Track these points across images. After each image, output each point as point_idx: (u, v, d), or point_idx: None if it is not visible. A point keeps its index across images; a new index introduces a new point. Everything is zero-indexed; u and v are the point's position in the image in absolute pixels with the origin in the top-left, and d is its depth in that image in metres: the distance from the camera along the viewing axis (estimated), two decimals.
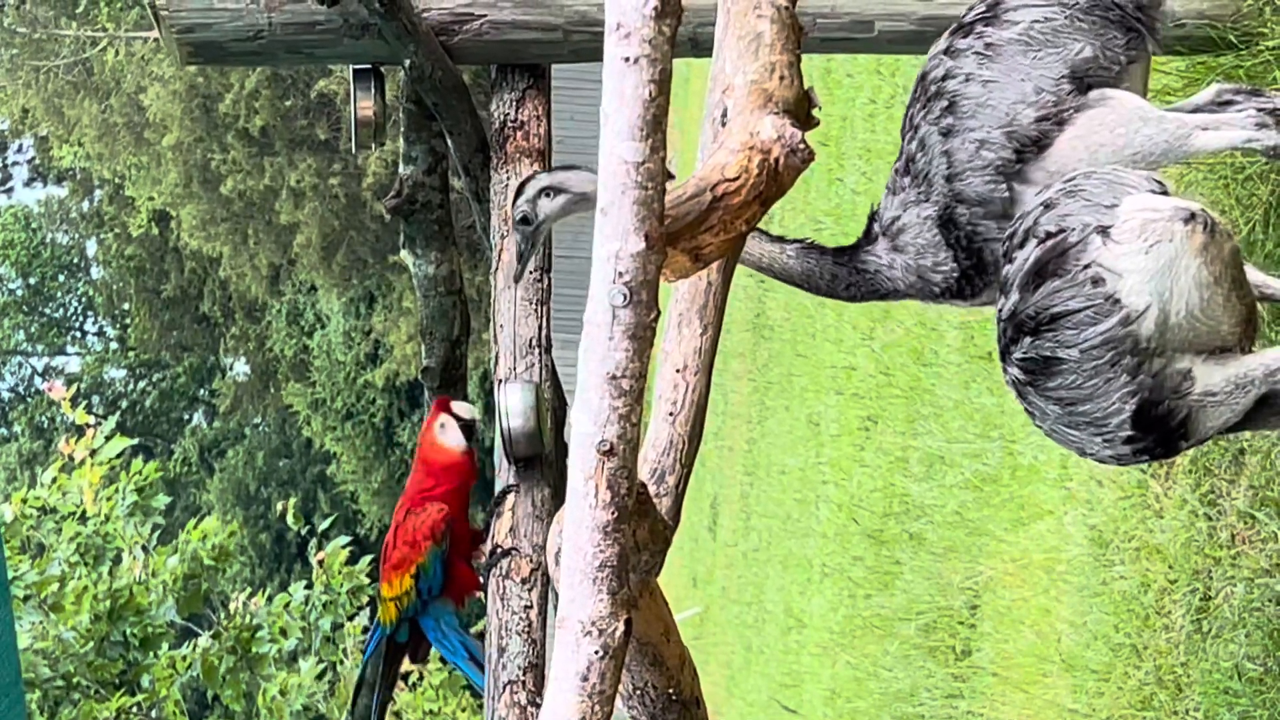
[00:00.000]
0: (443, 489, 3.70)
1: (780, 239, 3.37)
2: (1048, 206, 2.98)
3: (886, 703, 6.96)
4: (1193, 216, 2.84)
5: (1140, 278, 2.83)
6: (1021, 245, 2.97)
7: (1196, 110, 3.43)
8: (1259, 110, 3.36)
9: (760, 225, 2.43)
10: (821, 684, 8.37)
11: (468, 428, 3.78)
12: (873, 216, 3.39)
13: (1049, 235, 2.93)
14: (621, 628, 1.85)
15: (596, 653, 1.84)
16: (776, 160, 2.19)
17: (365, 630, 11.34)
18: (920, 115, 3.30)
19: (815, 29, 4.10)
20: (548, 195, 3.01)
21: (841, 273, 3.38)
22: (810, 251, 3.38)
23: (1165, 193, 2.94)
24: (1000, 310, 3.00)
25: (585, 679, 1.84)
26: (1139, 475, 4.68)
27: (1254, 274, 3.06)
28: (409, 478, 3.86)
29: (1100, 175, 2.99)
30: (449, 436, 3.73)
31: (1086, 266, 2.86)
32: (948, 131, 3.26)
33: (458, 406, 3.81)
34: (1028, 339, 2.93)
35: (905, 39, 4.21)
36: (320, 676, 11.94)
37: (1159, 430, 2.92)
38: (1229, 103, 3.41)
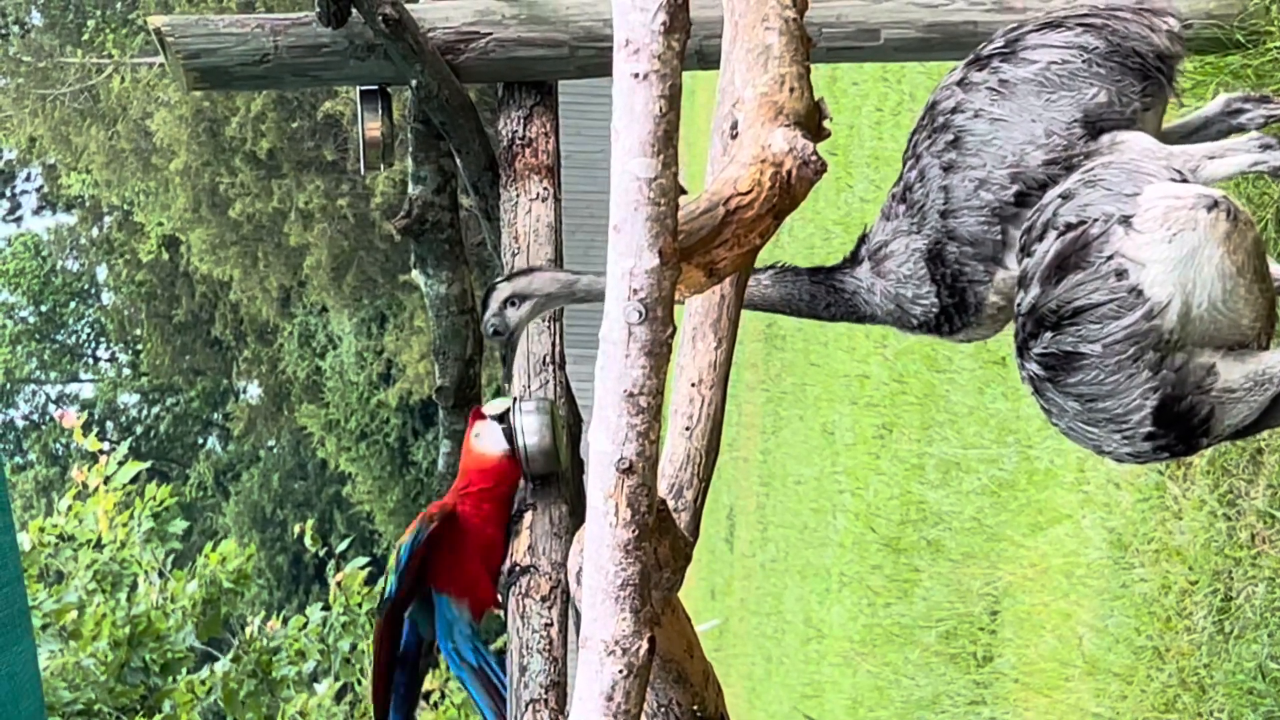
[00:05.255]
0: (476, 487, 3.64)
1: (752, 271, 3.35)
2: (1066, 198, 2.93)
3: (909, 711, 6.95)
4: (1216, 204, 2.79)
5: (1163, 268, 2.78)
6: (1041, 238, 2.92)
7: (1206, 122, 3.41)
8: (1267, 119, 3.34)
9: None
10: (843, 693, 8.35)
11: (503, 421, 3.65)
12: (862, 239, 3.37)
13: (1070, 227, 2.88)
14: (645, 646, 1.84)
15: (621, 672, 1.83)
16: (789, 173, 2.18)
17: None
18: (924, 145, 3.26)
19: (821, 39, 4.10)
20: (513, 304, 3.00)
21: (819, 291, 3.36)
22: (784, 275, 3.36)
23: (1185, 181, 2.90)
24: (1019, 305, 2.96)
25: (610, 699, 1.83)
26: (1157, 477, 4.67)
27: (1274, 266, 3.02)
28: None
29: (1119, 165, 2.94)
30: (486, 441, 3.65)
31: (1110, 258, 2.81)
32: (949, 166, 3.22)
33: (489, 406, 3.71)
34: (1048, 334, 2.89)
35: (911, 46, 4.21)
36: (339, 698, 11.92)
37: (1180, 427, 2.88)
38: (1238, 111, 3.39)
